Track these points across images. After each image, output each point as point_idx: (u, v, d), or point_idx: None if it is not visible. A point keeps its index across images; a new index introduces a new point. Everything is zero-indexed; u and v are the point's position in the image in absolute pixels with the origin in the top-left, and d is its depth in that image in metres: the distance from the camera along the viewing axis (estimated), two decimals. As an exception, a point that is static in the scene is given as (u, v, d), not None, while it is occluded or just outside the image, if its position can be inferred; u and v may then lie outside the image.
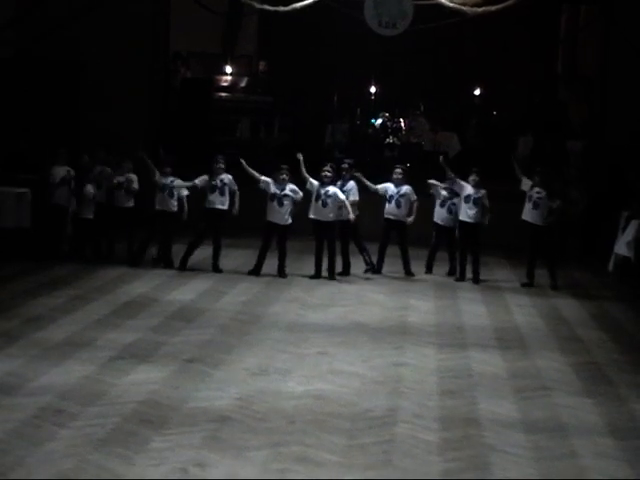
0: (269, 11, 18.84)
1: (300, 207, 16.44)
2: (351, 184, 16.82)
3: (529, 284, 16.81)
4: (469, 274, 16.98)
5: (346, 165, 17.07)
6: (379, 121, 24.16)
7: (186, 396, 9.74)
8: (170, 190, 16.51)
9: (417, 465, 8.26)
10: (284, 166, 16.49)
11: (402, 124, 24.30)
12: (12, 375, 10.11)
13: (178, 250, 16.80)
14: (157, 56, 22.03)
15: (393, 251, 17.24)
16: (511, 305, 15.31)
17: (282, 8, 18.22)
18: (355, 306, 14.62)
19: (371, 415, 9.50)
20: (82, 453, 8.04)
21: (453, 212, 17.14)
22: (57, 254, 16.61)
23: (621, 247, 17.38)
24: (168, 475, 7.76)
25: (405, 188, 17.08)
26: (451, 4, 17.69)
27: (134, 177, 17.06)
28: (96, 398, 9.51)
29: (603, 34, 21.98)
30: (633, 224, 17.17)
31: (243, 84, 25.46)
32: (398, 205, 17.05)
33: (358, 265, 16.97)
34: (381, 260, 17.16)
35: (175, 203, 16.54)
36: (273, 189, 16.32)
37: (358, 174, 16.93)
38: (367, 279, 16.73)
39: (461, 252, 17.14)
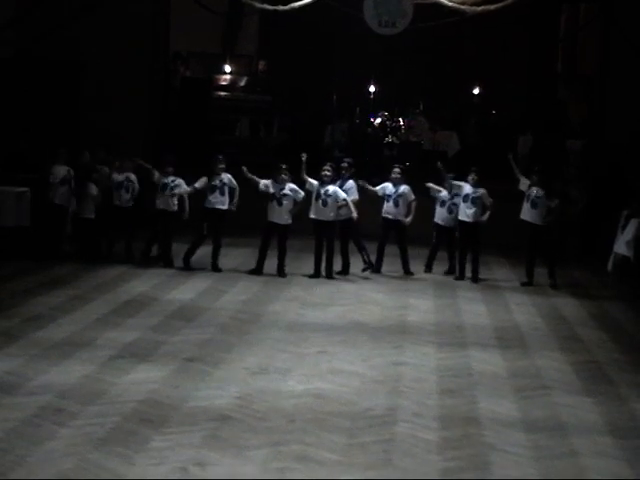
0: (269, 11, 18.86)
1: (301, 207, 16.42)
2: (350, 183, 16.82)
3: (529, 283, 16.82)
4: (468, 273, 16.99)
5: (345, 164, 17.07)
6: (378, 120, 24.16)
7: (186, 395, 9.74)
8: (171, 190, 16.51)
9: (417, 464, 8.27)
10: (283, 166, 16.49)
11: (401, 123, 24.31)
12: (12, 374, 10.12)
13: (177, 249, 16.81)
14: (157, 56, 22.04)
15: (392, 250, 17.25)
16: (511, 304, 15.32)
17: (282, 8, 18.23)
18: (355, 305, 14.62)
19: (371, 414, 9.51)
20: (82, 452, 8.05)
21: (453, 212, 17.15)
22: (57, 253, 16.61)
23: (621, 246, 17.38)
24: (168, 474, 7.76)
25: (403, 188, 17.08)
26: (450, 3, 17.70)
27: (134, 177, 17.07)
28: (96, 397, 9.51)
29: (603, 33, 22.00)
30: (633, 223, 17.18)
31: (243, 83, 25.50)
32: (396, 204, 17.05)
33: (357, 264, 16.97)
34: (380, 259, 17.17)
35: (176, 203, 16.54)
36: (272, 189, 16.33)
37: (362, 182, 16.92)
38: (366, 278, 16.72)
39: (461, 251, 17.15)
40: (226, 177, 16.51)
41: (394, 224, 17.06)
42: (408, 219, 17.03)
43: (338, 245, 16.67)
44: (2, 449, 8.03)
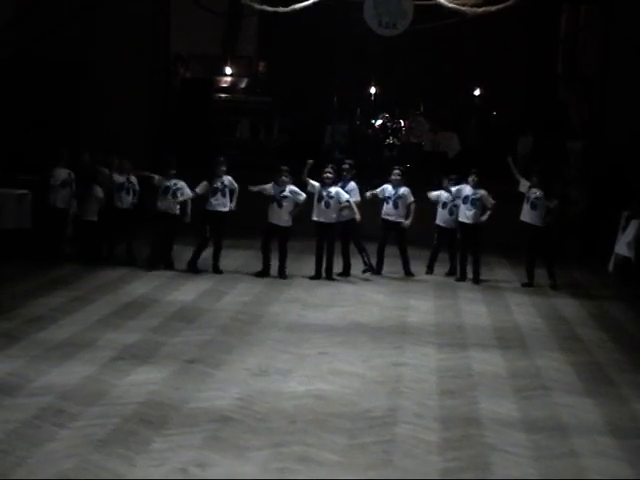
0: (269, 12, 18.88)
1: (302, 209, 16.41)
2: (352, 185, 16.83)
3: (529, 284, 16.82)
4: (469, 274, 16.99)
5: (347, 166, 17.08)
6: (379, 122, 24.17)
7: (187, 396, 9.74)
8: (173, 192, 16.51)
9: (417, 465, 8.28)
10: (284, 167, 16.49)
11: (402, 124, 24.32)
12: (13, 375, 10.12)
13: (178, 251, 16.84)
14: (157, 56, 22.04)
15: (392, 251, 17.25)
16: (511, 305, 15.33)
17: (282, 9, 18.25)
18: (355, 306, 14.63)
19: (371, 415, 9.52)
20: (83, 453, 8.05)
21: (454, 213, 17.15)
22: (58, 255, 16.61)
23: (621, 247, 17.38)
24: (169, 475, 7.77)
25: (403, 190, 17.09)
26: (451, 4, 17.72)
27: (134, 178, 17.08)
28: (97, 398, 9.52)
29: (603, 34, 22.00)
30: (633, 224, 17.17)
31: (243, 85, 25.50)
32: (395, 206, 17.06)
33: (358, 266, 16.97)
34: (380, 261, 17.17)
35: (177, 206, 16.53)
36: (272, 191, 16.34)
37: (369, 194, 16.91)
38: (366, 280, 16.71)
39: (461, 252, 17.16)
40: (227, 179, 16.52)
41: (394, 225, 17.07)
42: (407, 221, 17.03)
43: (339, 246, 16.68)
44: (3, 450, 8.03)
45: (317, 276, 16.42)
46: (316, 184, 16.40)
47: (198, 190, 16.44)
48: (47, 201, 16.72)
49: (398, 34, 18.48)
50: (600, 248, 18.85)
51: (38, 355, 10.93)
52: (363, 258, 16.94)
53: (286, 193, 16.29)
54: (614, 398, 10.56)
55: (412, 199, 17.08)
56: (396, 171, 17.30)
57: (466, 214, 16.92)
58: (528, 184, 16.82)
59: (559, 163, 21.78)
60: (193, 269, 16.31)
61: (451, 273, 17.35)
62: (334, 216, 16.41)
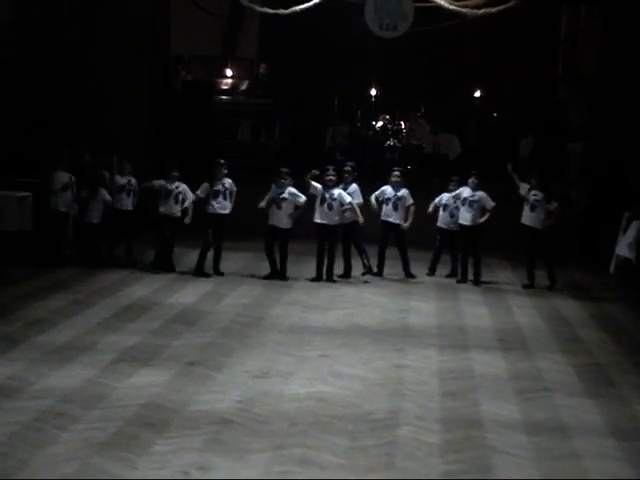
0: (270, 14, 18.86)
1: (302, 211, 16.39)
2: (354, 187, 16.83)
3: (530, 285, 16.81)
4: (471, 276, 16.98)
5: (349, 168, 17.07)
6: (379, 123, 24.17)
7: (188, 399, 9.74)
8: (175, 196, 16.49)
9: (419, 467, 8.27)
10: (284, 169, 16.47)
11: (402, 126, 24.31)
12: (14, 378, 10.12)
13: (179, 254, 16.84)
14: (157, 56, 22.02)
15: (393, 253, 17.24)
16: (512, 306, 15.32)
17: (283, 11, 18.22)
18: (356, 308, 14.62)
19: (373, 417, 9.51)
20: (84, 456, 8.05)
21: (455, 215, 17.15)
22: (58, 258, 16.60)
23: (622, 248, 17.37)
24: (170, 478, 7.76)
25: (402, 191, 17.08)
26: (451, 6, 17.69)
27: (134, 180, 17.08)
28: (98, 401, 9.51)
29: (603, 35, 21.98)
30: (634, 225, 17.16)
31: (244, 87, 25.50)
32: (395, 208, 17.05)
33: (359, 267, 16.95)
34: (381, 263, 17.16)
35: (179, 208, 16.51)
36: (272, 193, 16.34)
37: (374, 204, 16.91)
38: (367, 282, 16.68)
39: (462, 254, 17.16)
40: (227, 181, 16.50)
41: (393, 227, 17.06)
42: (406, 224, 17.03)
43: (339, 249, 16.67)
44: (4, 453, 8.03)
45: (318, 278, 16.41)
46: (318, 186, 16.39)
47: (199, 192, 16.43)
48: (48, 205, 16.69)
49: (399, 36, 18.45)
50: (601, 249, 18.84)
51: (38, 358, 10.92)
52: (363, 260, 16.92)
53: (285, 195, 16.28)
54: (615, 399, 10.55)
55: (411, 201, 17.07)
56: (396, 172, 17.30)
57: (465, 216, 16.92)
58: (527, 187, 16.82)
59: (559, 164, 21.77)
60: (202, 274, 16.27)
61: (452, 275, 17.35)
62: (336, 218, 16.40)
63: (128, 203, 17.00)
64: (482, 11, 17.75)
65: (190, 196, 16.46)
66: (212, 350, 11.71)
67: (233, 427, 8.98)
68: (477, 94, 26.65)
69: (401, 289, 16.36)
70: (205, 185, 16.40)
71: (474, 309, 14.97)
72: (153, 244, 17.00)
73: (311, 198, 16.45)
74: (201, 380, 10.43)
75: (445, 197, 17.31)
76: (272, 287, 15.80)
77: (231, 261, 17.42)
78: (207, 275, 16.25)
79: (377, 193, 17.16)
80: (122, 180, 17.01)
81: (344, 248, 16.79)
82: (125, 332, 12.36)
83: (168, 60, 23.23)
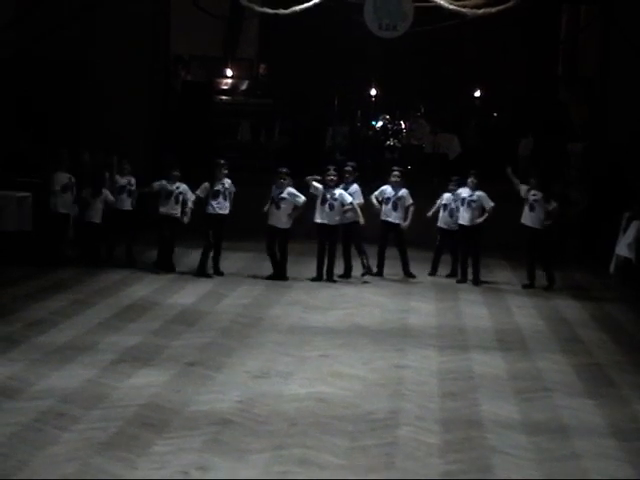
0: (269, 14, 18.85)
1: (302, 211, 16.39)
2: (354, 187, 16.83)
3: (530, 285, 16.81)
4: (470, 276, 16.98)
5: (349, 168, 17.06)
6: (379, 123, 24.18)
7: (187, 399, 9.74)
8: (176, 196, 16.49)
9: (419, 467, 8.27)
10: (283, 169, 16.46)
11: (402, 126, 24.32)
12: (14, 379, 10.12)
13: (179, 254, 16.84)
14: (157, 56, 22.02)
15: (393, 253, 17.24)
16: (512, 307, 15.32)
17: (282, 11, 18.21)
18: (356, 308, 14.62)
19: (373, 417, 9.51)
20: (84, 457, 8.05)
21: (454, 215, 17.15)
22: (59, 258, 16.60)
23: (622, 248, 17.36)
24: (170, 478, 7.76)
25: (402, 191, 17.08)
26: (451, 6, 17.68)
27: (134, 180, 17.08)
28: (98, 401, 9.52)
29: (603, 35, 21.99)
30: (634, 225, 17.16)
31: (244, 87, 25.50)
32: (395, 208, 17.05)
33: (359, 268, 16.95)
34: (381, 263, 17.16)
35: (179, 208, 16.51)
36: (272, 193, 16.34)
37: (375, 204, 16.93)
38: (367, 282, 16.67)
39: (462, 254, 17.16)
40: (227, 182, 16.50)
41: (393, 227, 17.07)
42: (405, 223, 17.03)
43: (339, 249, 16.67)
44: (4, 454, 8.03)
45: (318, 278, 16.41)
46: (319, 186, 16.39)
47: (199, 192, 16.42)
48: (47, 206, 16.68)
49: (398, 36, 18.45)
50: (601, 249, 18.84)
51: (38, 358, 10.93)
52: (362, 261, 16.90)
53: (284, 195, 16.27)
54: (615, 399, 10.56)
55: (411, 201, 17.07)
56: (395, 172, 17.30)
57: (463, 216, 16.93)
58: (527, 187, 16.82)
59: (559, 164, 21.77)
60: (203, 274, 16.27)
61: (452, 275, 17.35)
62: (337, 218, 16.41)
63: (128, 203, 17.01)
64: (482, 11, 17.74)
65: (191, 196, 16.46)
66: (212, 350, 11.71)
67: (233, 427, 8.99)
68: (477, 94, 26.66)
69: (401, 289, 16.36)
70: (205, 185, 16.40)
71: (474, 309, 14.97)
72: (153, 244, 17.01)
73: (312, 198, 16.45)
74: (201, 380, 10.43)
75: (446, 197, 17.31)
76: (272, 287, 15.81)
77: (231, 261, 17.42)
78: (208, 275, 16.26)
79: (376, 193, 17.17)
80: (122, 180, 17.02)
81: (344, 248, 16.79)
82: (125, 332, 12.36)
83: (168, 60, 23.23)
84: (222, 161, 16.59)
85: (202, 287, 15.52)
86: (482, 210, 16.90)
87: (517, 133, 24.37)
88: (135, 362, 10.97)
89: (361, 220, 16.40)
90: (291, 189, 16.33)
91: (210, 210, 16.35)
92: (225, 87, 25.30)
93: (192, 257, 17.06)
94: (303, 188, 16.51)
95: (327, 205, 16.34)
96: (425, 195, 17.73)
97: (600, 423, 9.72)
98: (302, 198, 16.31)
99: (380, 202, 17.11)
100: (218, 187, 16.37)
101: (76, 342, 11.72)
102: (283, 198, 16.27)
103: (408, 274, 17.19)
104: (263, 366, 11.11)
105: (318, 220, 16.40)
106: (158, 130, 21.73)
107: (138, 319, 13.17)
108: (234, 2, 20.45)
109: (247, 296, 15.05)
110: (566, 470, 8.41)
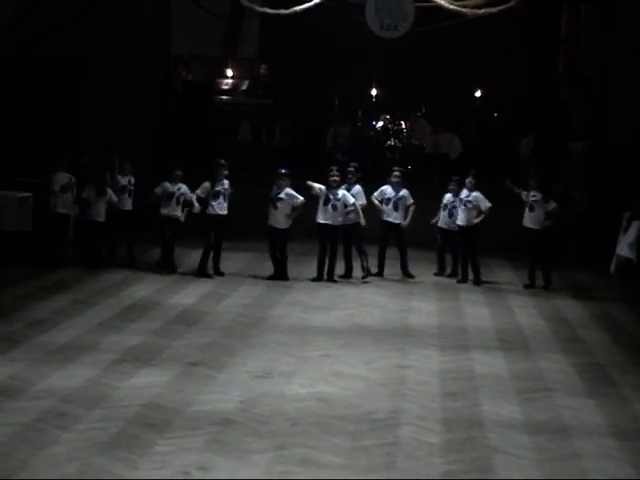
0: (270, 14, 18.86)
1: (301, 211, 16.37)
2: (357, 188, 16.82)
3: (531, 285, 16.81)
4: (471, 276, 16.97)
5: (352, 169, 17.05)
6: (380, 123, 24.18)
7: (189, 399, 9.74)
8: (177, 197, 16.49)
9: (420, 467, 8.27)
10: (281, 171, 16.42)
11: (403, 126, 24.32)
12: (15, 379, 10.12)
13: (180, 255, 16.83)
14: (157, 56, 22.01)
15: (394, 253, 17.24)
16: (513, 307, 15.31)
17: (283, 11, 18.21)
18: (357, 308, 14.62)
19: (374, 417, 9.51)
20: (85, 456, 8.05)
21: (454, 215, 17.15)
22: (59, 258, 16.59)
23: (623, 248, 17.36)
24: (171, 478, 7.76)
25: (403, 191, 17.09)
26: (451, 6, 17.68)
27: (134, 180, 17.08)
28: (99, 401, 9.52)
29: (603, 34, 21.98)
30: (635, 225, 17.15)
31: (244, 87, 25.48)
32: (395, 208, 17.06)
33: (359, 268, 16.92)
34: (381, 263, 17.16)
35: (180, 209, 16.51)
36: (271, 193, 16.34)
37: (377, 204, 16.93)
38: (365, 282, 16.64)
39: (462, 254, 17.15)
40: (226, 183, 16.49)
41: (393, 227, 17.07)
42: (405, 222, 17.04)
43: (340, 249, 16.66)
44: (5, 453, 8.03)
45: (319, 278, 16.41)
46: (322, 187, 16.39)
47: (199, 192, 16.42)
48: (48, 206, 16.66)
49: (399, 36, 18.44)
50: (601, 249, 18.82)
51: (39, 358, 10.93)
52: (362, 262, 16.86)
53: (282, 195, 16.27)
54: (616, 399, 10.55)
55: (412, 201, 17.08)
56: (396, 172, 17.30)
57: (460, 216, 16.94)
58: (527, 193, 16.82)
59: (560, 164, 21.76)
60: (204, 274, 16.27)
61: (453, 275, 17.34)
62: (340, 219, 16.41)
63: (129, 203, 17.01)
64: (482, 11, 17.74)
65: (191, 197, 16.45)
66: (213, 350, 11.71)
67: (234, 427, 8.99)
68: (478, 94, 26.63)
69: (402, 289, 16.36)
70: (206, 185, 16.40)
71: (475, 309, 14.97)
72: (155, 244, 17.00)
73: (312, 198, 16.44)
74: (202, 380, 10.43)
75: (446, 197, 17.31)
76: (273, 287, 15.81)
77: (232, 261, 17.42)
78: (209, 276, 16.25)
79: (376, 194, 17.16)
80: (123, 180, 17.03)
81: (345, 249, 16.79)
82: (126, 332, 12.36)
83: (168, 60, 23.23)
84: (223, 162, 16.59)
85: (203, 287, 15.52)
86: (479, 211, 16.89)
87: (518, 133, 24.37)
88: (136, 362, 10.97)
89: (362, 222, 16.40)
90: (289, 190, 16.32)
91: (211, 210, 16.35)
92: (226, 87, 25.29)
93: (192, 257, 17.06)
94: (303, 190, 16.47)
95: (330, 206, 16.34)
96: (426, 195, 17.73)
97: (601, 423, 9.71)
98: (300, 198, 16.29)
99: (381, 202, 17.11)
100: (219, 188, 16.37)
101: (77, 342, 11.72)
102: (280, 198, 16.26)
103: (407, 274, 17.19)
104: (264, 366, 11.12)
105: (321, 220, 16.40)
106: (158, 130, 21.73)
107: (139, 319, 13.17)
108: (235, 2, 20.45)
109: (248, 296, 15.05)
110: (567, 470, 8.41)
